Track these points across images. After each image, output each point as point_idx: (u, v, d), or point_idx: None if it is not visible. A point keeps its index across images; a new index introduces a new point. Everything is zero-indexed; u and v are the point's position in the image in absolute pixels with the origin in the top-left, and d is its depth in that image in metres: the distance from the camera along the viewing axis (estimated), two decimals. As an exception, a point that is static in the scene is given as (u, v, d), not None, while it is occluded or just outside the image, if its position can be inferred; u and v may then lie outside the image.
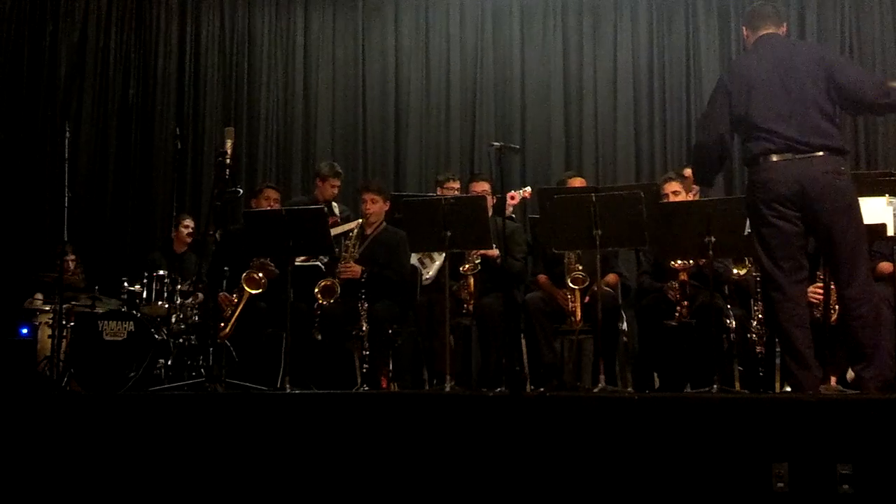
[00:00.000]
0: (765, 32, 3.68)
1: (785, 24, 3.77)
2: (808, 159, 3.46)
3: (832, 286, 3.98)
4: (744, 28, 3.82)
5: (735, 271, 4.66)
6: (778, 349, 4.39)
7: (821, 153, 3.46)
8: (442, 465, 3.12)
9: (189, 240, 6.10)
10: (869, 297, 3.46)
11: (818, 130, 3.47)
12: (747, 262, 4.61)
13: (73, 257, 5.95)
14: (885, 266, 4.24)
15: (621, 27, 7.27)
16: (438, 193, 5.40)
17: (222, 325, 4.61)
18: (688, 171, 5.18)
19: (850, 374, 3.82)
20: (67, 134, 5.10)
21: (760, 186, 3.53)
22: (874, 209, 3.81)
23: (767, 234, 3.52)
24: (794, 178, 3.45)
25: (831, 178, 3.45)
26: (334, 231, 4.85)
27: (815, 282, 4.18)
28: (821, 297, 4.16)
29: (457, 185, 5.41)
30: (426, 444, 3.16)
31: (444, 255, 4.65)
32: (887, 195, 3.87)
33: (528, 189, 5.48)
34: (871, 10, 7.06)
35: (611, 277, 4.85)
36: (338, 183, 5.59)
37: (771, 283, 3.54)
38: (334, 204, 5.61)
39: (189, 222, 6.15)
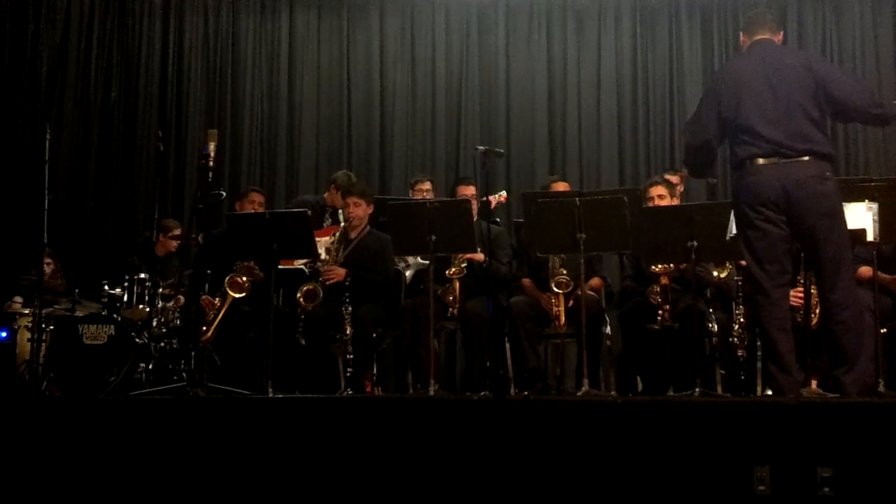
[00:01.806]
0: (759, 38, 3.72)
1: (781, 33, 3.81)
2: (792, 164, 3.49)
3: (812, 290, 4.03)
4: (741, 33, 3.85)
5: (716, 273, 4.69)
6: (759, 353, 4.43)
7: (805, 158, 3.50)
8: (426, 469, 3.12)
9: (174, 246, 6.02)
10: (852, 301, 3.50)
11: (804, 136, 3.51)
12: (728, 265, 4.64)
13: (50, 261, 5.89)
14: (865, 271, 4.27)
15: (605, 32, 7.30)
16: (410, 195, 5.41)
17: (205, 329, 4.58)
18: (672, 177, 5.21)
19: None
20: (48, 135, 5.05)
21: (746, 190, 3.56)
22: (854, 215, 3.85)
23: (753, 237, 3.55)
24: (778, 181, 3.49)
25: (815, 183, 3.48)
26: (327, 243, 4.83)
27: (796, 286, 4.21)
28: (801, 300, 4.19)
29: (427, 186, 5.42)
30: (410, 449, 3.15)
31: (419, 258, 4.64)
32: (867, 201, 3.91)
33: (504, 193, 5.49)
34: (851, 12, 7.14)
35: (595, 281, 4.86)
36: None
37: (755, 285, 3.57)
38: (340, 212, 5.59)
39: (178, 231, 6.07)
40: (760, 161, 3.53)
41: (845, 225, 3.58)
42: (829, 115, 3.60)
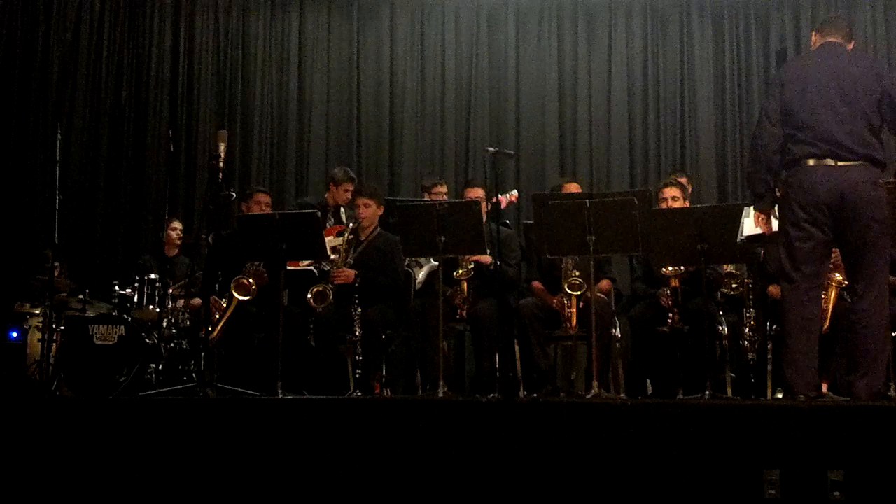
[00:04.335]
0: (831, 40, 3.73)
1: (853, 42, 3.81)
2: (847, 168, 3.50)
3: (823, 295, 4.01)
4: (813, 33, 3.86)
5: (731, 283, 4.67)
6: (770, 356, 4.42)
7: (860, 162, 3.50)
8: (435, 470, 3.12)
9: (178, 243, 6.07)
10: (880, 309, 3.51)
11: (863, 140, 3.52)
12: (740, 272, 4.62)
13: (56, 264, 5.91)
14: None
15: (616, 32, 7.29)
16: (427, 198, 5.39)
17: (210, 329, 4.58)
18: (682, 179, 5.19)
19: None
20: (59, 136, 5.07)
21: (799, 188, 3.56)
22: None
23: (796, 236, 3.55)
24: (834, 184, 3.49)
25: (869, 189, 3.50)
26: (331, 243, 4.83)
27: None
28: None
29: (444, 188, 5.39)
30: (419, 450, 3.15)
31: (432, 259, 4.63)
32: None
33: (515, 192, 5.48)
34: (864, 17, 7.10)
35: (604, 284, 4.85)
36: (351, 188, 5.58)
37: (788, 284, 3.57)
38: (343, 209, 5.59)
39: (177, 224, 6.11)
40: (815, 162, 3.53)
41: (889, 233, 3.57)
42: (888, 125, 3.60)
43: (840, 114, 3.53)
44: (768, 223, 3.74)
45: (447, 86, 7.29)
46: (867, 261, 3.52)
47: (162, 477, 3.27)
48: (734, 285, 4.59)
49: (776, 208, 3.69)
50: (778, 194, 3.72)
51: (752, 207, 3.84)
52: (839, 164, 3.50)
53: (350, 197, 5.54)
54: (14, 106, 7.04)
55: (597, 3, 7.32)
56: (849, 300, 3.74)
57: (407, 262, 5.12)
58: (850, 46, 3.78)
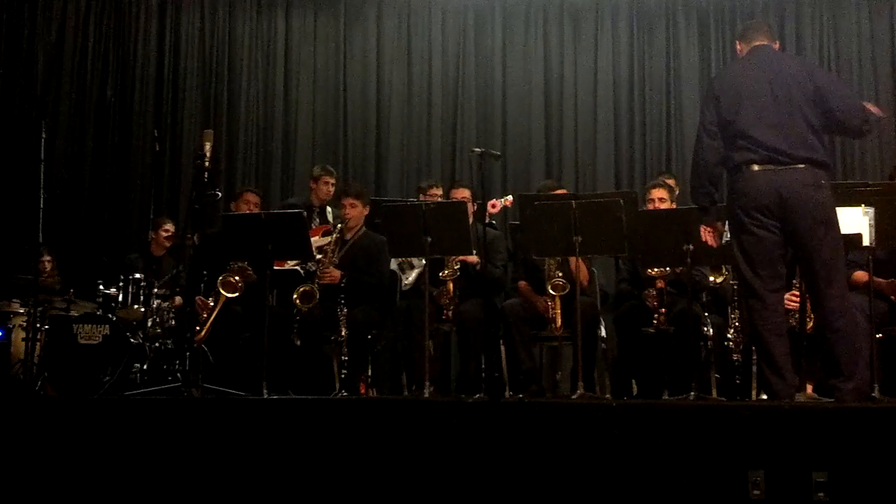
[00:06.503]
0: (758, 44, 3.72)
1: (777, 42, 3.80)
2: (788, 171, 3.49)
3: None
4: (738, 42, 3.85)
5: (712, 279, 4.69)
6: (754, 357, 4.44)
7: (802, 165, 3.49)
8: (420, 470, 3.12)
9: (168, 244, 6.03)
10: (845, 310, 3.50)
11: (803, 142, 3.50)
12: (724, 270, 4.64)
13: (48, 258, 5.87)
14: (861, 275, 4.28)
15: (602, 34, 7.32)
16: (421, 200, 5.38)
17: (197, 328, 4.57)
18: (669, 180, 5.22)
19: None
20: (44, 134, 5.03)
21: (741, 195, 3.56)
22: (850, 219, 3.86)
23: (747, 241, 3.55)
24: (774, 188, 3.49)
25: (811, 191, 3.48)
26: (317, 243, 4.82)
27: (792, 289, 4.22)
28: (797, 304, 4.19)
29: (439, 191, 5.41)
30: (405, 450, 3.15)
31: (423, 261, 4.63)
32: (863, 205, 3.92)
33: (510, 198, 5.48)
34: (848, 20, 7.16)
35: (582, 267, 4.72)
36: (331, 179, 5.57)
37: (749, 290, 3.58)
38: (329, 209, 5.57)
39: (170, 226, 6.08)
40: (755, 167, 3.52)
41: (839, 233, 3.57)
42: (823, 122, 3.57)
43: (775, 118, 3.51)
44: (715, 236, 3.74)
45: (433, 86, 7.29)
46: (820, 262, 3.50)
47: (147, 477, 3.26)
48: (719, 280, 4.60)
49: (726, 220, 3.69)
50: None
51: None
52: (779, 168, 3.49)
53: (332, 189, 5.54)
54: (-2, 104, 6.99)
55: (583, 5, 7.35)
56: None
57: (399, 263, 5.12)
58: (776, 46, 3.79)
